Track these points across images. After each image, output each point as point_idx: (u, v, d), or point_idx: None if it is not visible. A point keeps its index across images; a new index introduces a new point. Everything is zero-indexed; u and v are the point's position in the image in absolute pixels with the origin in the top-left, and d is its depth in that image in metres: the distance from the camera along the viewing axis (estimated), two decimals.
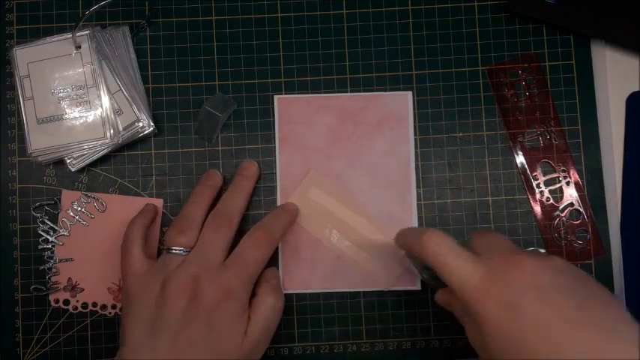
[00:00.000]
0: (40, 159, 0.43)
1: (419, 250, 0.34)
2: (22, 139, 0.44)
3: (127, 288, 0.38)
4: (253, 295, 0.39)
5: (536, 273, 0.30)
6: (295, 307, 0.43)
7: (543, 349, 0.28)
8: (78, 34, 0.42)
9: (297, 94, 0.45)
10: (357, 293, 0.43)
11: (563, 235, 0.43)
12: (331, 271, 0.43)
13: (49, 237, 0.43)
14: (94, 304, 0.43)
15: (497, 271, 0.31)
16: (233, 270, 0.37)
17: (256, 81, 0.45)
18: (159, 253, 0.41)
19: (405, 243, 0.37)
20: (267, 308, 0.38)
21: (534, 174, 0.44)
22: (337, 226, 0.43)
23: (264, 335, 0.38)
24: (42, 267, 0.43)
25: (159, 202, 0.44)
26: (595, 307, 0.29)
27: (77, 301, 0.43)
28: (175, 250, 0.38)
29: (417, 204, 0.44)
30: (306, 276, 0.43)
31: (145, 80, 0.45)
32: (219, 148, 0.44)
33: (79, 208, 0.44)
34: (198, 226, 0.39)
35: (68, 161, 0.43)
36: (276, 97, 0.44)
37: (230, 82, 0.45)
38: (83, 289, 0.43)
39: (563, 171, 0.44)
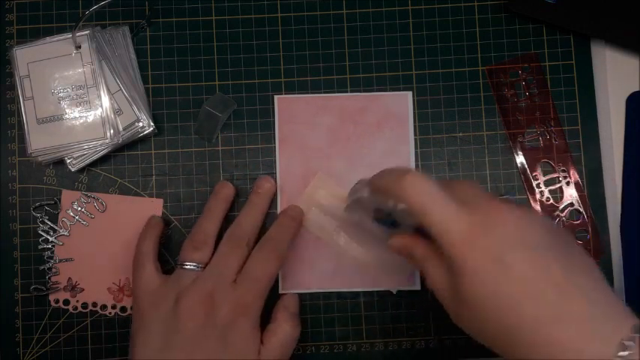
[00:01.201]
0: (40, 159, 0.43)
1: (397, 193, 0.31)
2: (22, 139, 0.44)
3: (139, 303, 0.38)
4: (271, 320, 0.39)
5: (525, 227, 0.28)
6: None
7: (529, 310, 0.27)
8: (78, 34, 0.42)
9: (297, 94, 0.45)
10: (357, 293, 0.43)
11: None
12: (331, 271, 0.43)
13: (49, 237, 0.43)
14: (94, 304, 0.43)
15: (484, 222, 0.29)
16: (246, 286, 0.37)
17: (256, 81, 0.45)
18: (169, 270, 0.41)
19: (381, 185, 0.33)
20: (285, 335, 0.39)
21: (534, 174, 0.44)
22: (345, 229, 0.43)
23: None
24: (42, 267, 0.43)
25: (159, 202, 0.44)
26: (582, 274, 0.28)
27: (77, 301, 0.43)
28: (189, 265, 0.38)
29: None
30: (306, 276, 0.43)
31: (145, 80, 0.45)
32: (219, 148, 0.44)
33: (79, 208, 0.44)
34: (213, 242, 0.40)
35: (68, 161, 0.43)
36: (276, 97, 0.44)
37: (230, 82, 0.45)
38: (83, 289, 0.43)
39: (563, 171, 0.44)
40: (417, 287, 0.43)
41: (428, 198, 0.30)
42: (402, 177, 0.31)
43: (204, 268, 0.38)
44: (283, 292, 0.43)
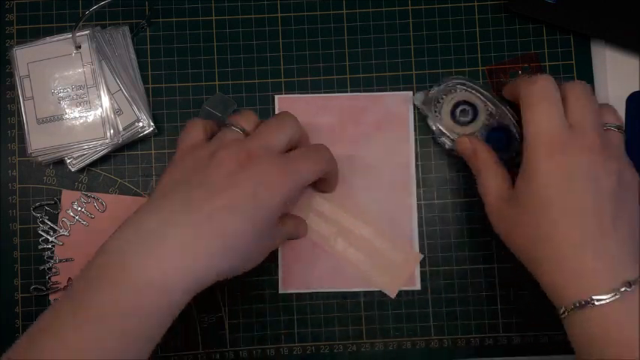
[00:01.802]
0: (40, 159, 0.43)
1: (523, 89, 0.36)
2: (22, 139, 0.44)
3: (176, 155, 0.37)
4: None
5: (601, 173, 0.33)
6: (295, 307, 0.43)
7: (567, 230, 0.32)
8: (78, 34, 0.42)
9: (297, 94, 0.45)
10: (357, 293, 0.43)
11: None
12: (331, 271, 0.43)
13: (49, 237, 0.43)
14: None
15: (574, 145, 0.33)
16: (288, 166, 0.35)
17: (256, 81, 0.45)
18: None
19: (513, 88, 0.39)
20: (297, 219, 0.42)
21: None
22: (342, 234, 0.43)
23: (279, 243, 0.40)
24: (42, 267, 0.43)
25: None
26: (625, 223, 0.33)
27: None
28: (235, 128, 0.37)
29: (417, 204, 0.44)
30: (306, 276, 0.43)
31: (145, 80, 0.45)
32: None
33: (79, 208, 0.44)
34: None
35: (68, 161, 0.43)
36: (277, 96, 0.44)
37: (230, 82, 0.45)
38: None
39: None
40: (417, 287, 0.43)
41: (546, 102, 0.35)
42: (537, 78, 0.36)
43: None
44: (283, 291, 0.43)
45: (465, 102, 0.42)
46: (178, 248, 0.31)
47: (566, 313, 0.32)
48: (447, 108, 0.42)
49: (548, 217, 0.33)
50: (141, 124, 0.43)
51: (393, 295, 0.43)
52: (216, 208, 0.32)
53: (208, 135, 0.38)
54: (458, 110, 0.42)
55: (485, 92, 0.42)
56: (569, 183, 0.33)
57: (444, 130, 0.42)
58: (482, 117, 0.42)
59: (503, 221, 0.36)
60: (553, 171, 0.33)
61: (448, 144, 0.42)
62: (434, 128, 0.43)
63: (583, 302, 0.31)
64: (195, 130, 0.37)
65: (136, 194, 0.44)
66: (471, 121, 0.42)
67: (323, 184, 0.42)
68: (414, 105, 0.44)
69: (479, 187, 0.39)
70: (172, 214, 0.32)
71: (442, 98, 0.42)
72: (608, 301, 0.30)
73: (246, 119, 0.37)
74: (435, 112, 0.42)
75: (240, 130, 0.37)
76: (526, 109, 0.35)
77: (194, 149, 0.36)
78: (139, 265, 0.30)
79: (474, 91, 0.42)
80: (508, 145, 0.42)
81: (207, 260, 0.32)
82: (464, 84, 0.42)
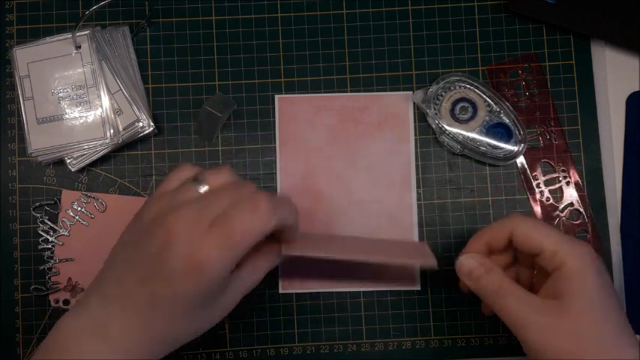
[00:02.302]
0: (40, 159, 0.43)
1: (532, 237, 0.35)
2: (22, 139, 0.44)
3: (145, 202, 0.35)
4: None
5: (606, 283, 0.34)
6: (295, 307, 0.43)
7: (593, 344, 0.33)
8: (78, 34, 0.42)
9: (297, 94, 0.45)
10: (357, 293, 0.43)
11: None
12: (331, 271, 0.43)
13: (49, 237, 0.43)
14: None
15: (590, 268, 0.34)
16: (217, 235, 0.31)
17: (256, 81, 0.45)
18: None
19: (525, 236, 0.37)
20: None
21: (534, 174, 0.44)
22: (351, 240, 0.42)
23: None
24: (42, 267, 0.43)
25: None
26: (624, 330, 0.34)
27: (77, 301, 0.43)
28: (196, 187, 0.33)
29: (417, 204, 0.44)
30: (306, 276, 0.43)
31: (145, 80, 0.45)
32: (219, 148, 0.44)
33: (79, 208, 0.44)
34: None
35: (68, 161, 0.43)
36: (277, 96, 0.44)
37: (230, 82, 0.45)
38: (83, 289, 0.43)
39: (563, 171, 0.44)
40: (417, 287, 0.43)
41: (544, 235, 0.35)
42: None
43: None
44: (283, 291, 0.43)
45: (465, 99, 0.42)
46: (117, 337, 0.32)
47: None
48: (446, 105, 0.42)
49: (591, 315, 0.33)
50: (141, 124, 0.43)
51: (435, 263, 0.38)
52: (145, 299, 0.32)
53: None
54: (457, 107, 0.42)
55: (484, 89, 0.42)
56: (602, 303, 0.34)
57: (444, 128, 0.42)
58: (481, 114, 0.42)
59: (541, 333, 0.34)
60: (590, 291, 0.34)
61: (448, 142, 0.42)
62: (434, 126, 0.43)
63: None
64: (170, 180, 0.35)
65: (136, 194, 0.44)
66: (471, 118, 0.42)
67: (280, 234, 0.36)
68: (414, 104, 0.44)
69: (498, 312, 0.35)
70: (109, 300, 0.32)
71: (441, 96, 0.42)
72: None
73: (214, 177, 0.34)
74: (435, 109, 0.42)
75: (201, 186, 0.33)
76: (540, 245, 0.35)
77: (152, 203, 0.34)
78: (84, 351, 0.31)
79: (473, 88, 0.42)
80: (509, 138, 0.42)
81: (144, 346, 0.32)
82: (463, 81, 0.42)
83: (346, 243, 0.41)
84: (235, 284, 0.34)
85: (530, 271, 0.38)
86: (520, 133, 0.42)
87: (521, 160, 0.44)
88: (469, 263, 0.36)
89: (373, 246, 0.41)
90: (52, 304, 0.43)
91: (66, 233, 0.43)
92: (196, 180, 0.34)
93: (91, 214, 0.44)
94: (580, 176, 0.44)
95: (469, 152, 0.43)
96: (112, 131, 0.42)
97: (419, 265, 0.42)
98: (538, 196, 0.44)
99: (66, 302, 0.43)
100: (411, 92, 0.44)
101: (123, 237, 0.35)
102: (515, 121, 0.42)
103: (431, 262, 0.39)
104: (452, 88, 0.42)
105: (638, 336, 0.35)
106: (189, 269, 0.30)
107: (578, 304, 0.33)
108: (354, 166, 0.44)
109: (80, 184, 0.44)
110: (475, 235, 0.38)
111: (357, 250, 0.40)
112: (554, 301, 0.34)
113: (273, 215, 0.32)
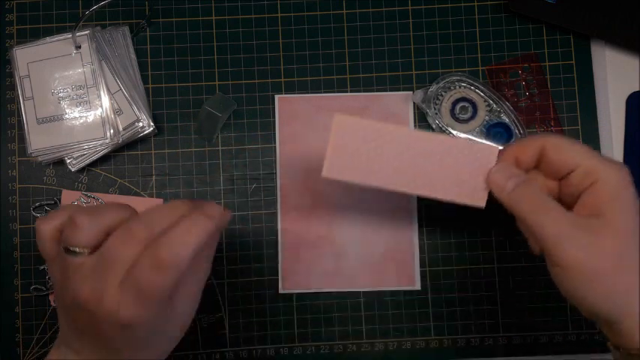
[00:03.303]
0: (40, 159, 0.43)
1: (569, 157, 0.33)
2: (22, 139, 0.44)
3: None
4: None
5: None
6: (295, 307, 0.43)
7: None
8: (78, 34, 0.42)
9: (297, 94, 0.45)
10: (357, 293, 0.43)
11: None
12: (331, 271, 0.43)
13: None
14: None
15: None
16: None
17: (256, 81, 0.45)
18: None
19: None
20: None
21: None
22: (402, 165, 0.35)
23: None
24: (42, 267, 0.43)
25: (159, 202, 0.44)
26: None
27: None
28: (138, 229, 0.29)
29: (417, 204, 0.44)
30: (306, 276, 0.43)
31: (145, 80, 0.45)
32: (219, 148, 0.44)
33: None
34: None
35: (68, 161, 0.43)
36: (277, 96, 0.44)
37: (230, 82, 0.45)
38: None
39: None
40: (417, 287, 0.43)
41: (591, 155, 0.33)
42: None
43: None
44: (283, 291, 0.43)
45: (465, 99, 0.42)
46: None
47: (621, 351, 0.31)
48: (446, 105, 0.42)
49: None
50: (141, 124, 0.43)
51: (483, 204, 0.34)
52: (98, 349, 0.31)
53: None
54: (457, 107, 0.42)
55: (484, 89, 0.42)
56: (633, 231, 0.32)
57: (444, 128, 0.42)
58: (481, 113, 0.42)
59: (580, 250, 0.31)
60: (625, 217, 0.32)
61: None
62: (434, 126, 0.43)
63: None
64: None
65: (136, 194, 0.44)
66: (471, 118, 0.42)
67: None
68: (414, 104, 0.44)
69: (532, 227, 0.32)
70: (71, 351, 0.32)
71: (441, 96, 0.42)
72: None
73: (159, 217, 0.29)
74: (435, 109, 0.42)
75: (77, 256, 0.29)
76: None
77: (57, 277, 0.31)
78: None
79: (473, 88, 0.42)
80: (509, 138, 0.42)
81: None
82: (463, 81, 0.42)
83: (399, 157, 0.34)
84: (181, 294, 0.31)
85: (554, 195, 0.34)
86: (520, 133, 0.42)
87: None
88: (504, 173, 0.33)
89: (426, 163, 0.34)
90: (52, 304, 0.43)
91: None
92: (68, 251, 0.29)
93: None
94: None
95: None
96: (112, 131, 0.42)
97: (468, 203, 0.35)
98: None
99: None
100: (411, 92, 0.44)
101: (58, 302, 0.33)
102: (515, 120, 0.42)
103: (479, 202, 0.34)
104: (452, 87, 0.42)
105: None
106: (122, 328, 0.29)
107: (621, 222, 0.31)
108: None
109: (80, 184, 0.44)
110: (505, 149, 0.34)
111: (408, 177, 0.34)
112: (594, 220, 0.31)
113: (183, 256, 0.28)
